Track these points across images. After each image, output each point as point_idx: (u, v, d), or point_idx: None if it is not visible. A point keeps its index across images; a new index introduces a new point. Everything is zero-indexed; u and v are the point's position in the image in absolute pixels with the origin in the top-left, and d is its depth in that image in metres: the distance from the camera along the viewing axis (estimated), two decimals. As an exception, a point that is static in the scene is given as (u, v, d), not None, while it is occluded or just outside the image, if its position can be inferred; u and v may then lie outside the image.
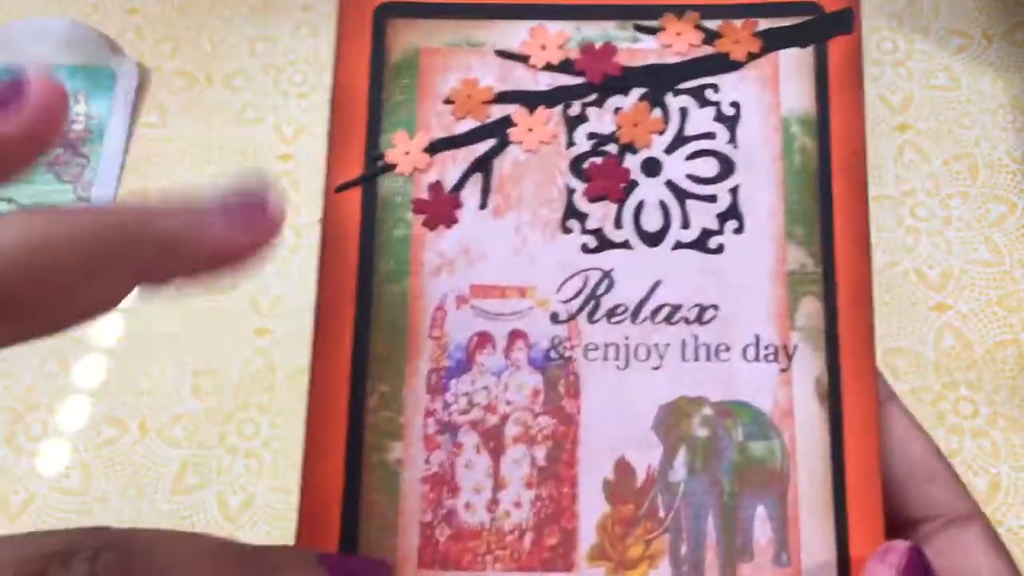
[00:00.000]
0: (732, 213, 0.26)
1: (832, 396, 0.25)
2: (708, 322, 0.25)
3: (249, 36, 0.71)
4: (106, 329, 0.62)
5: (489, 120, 0.27)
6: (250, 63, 0.70)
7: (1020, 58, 0.70)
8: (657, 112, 0.27)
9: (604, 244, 0.26)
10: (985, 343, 0.62)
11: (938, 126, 0.68)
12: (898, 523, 0.24)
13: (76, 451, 0.62)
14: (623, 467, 0.25)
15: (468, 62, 0.27)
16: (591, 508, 0.25)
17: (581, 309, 0.26)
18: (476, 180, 0.27)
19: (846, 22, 0.27)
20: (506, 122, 0.27)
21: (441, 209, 0.26)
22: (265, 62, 0.71)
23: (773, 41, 0.27)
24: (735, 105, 0.27)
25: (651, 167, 0.27)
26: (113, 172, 0.67)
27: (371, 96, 0.27)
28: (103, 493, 0.58)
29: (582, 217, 0.26)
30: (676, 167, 0.27)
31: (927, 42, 0.70)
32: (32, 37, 0.67)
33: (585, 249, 0.26)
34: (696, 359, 0.25)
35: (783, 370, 0.25)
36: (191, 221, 0.16)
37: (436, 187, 0.26)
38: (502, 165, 0.27)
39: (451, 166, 0.27)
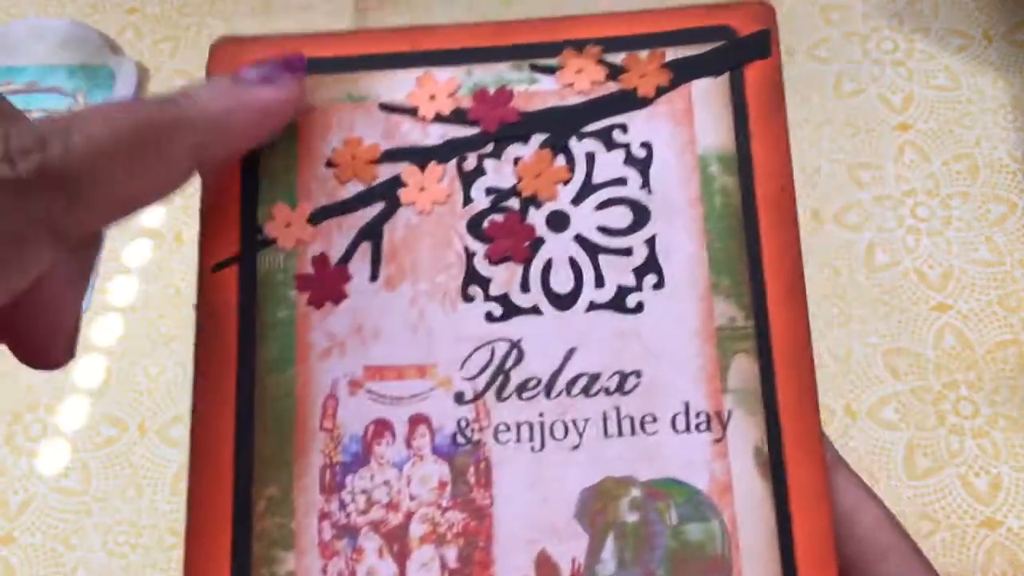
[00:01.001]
0: (650, 266, 0.24)
1: (775, 466, 0.23)
2: (631, 391, 0.23)
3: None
4: (106, 329, 0.63)
5: (377, 182, 0.25)
6: (250, 63, 0.74)
7: (1020, 58, 0.71)
8: (561, 160, 0.25)
9: (511, 311, 0.25)
10: (986, 343, 0.62)
11: (938, 126, 0.69)
12: None
13: (75, 451, 0.64)
14: (545, 563, 0.23)
15: (351, 119, 0.26)
16: None
17: (488, 386, 0.24)
18: (365, 249, 0.25)
19: (763, 45, 0.25)
20: (396, 183, 0.25)
21: (327, 284, 0.24)
22: (265, 62, 0.74)
23: (683, 72, 0.25)
24: (646, 146, 0.25)
25: (558, 221, 0.25)
26: None
27: (245, 164, 0.25)
28: (102, 493, 0.60)
29: (484, 282, 0.24)
30: (585, 219, 0.25)
31: (927, 42, 0.71)
32: (32, 37, 0.69)
33: (490, 318, 0.24)
34: (620, 434, 0.23)
35: (717, 440, 0.23)
36: (237, 93, 0.21)
37: (321, 260, 0.25)
38: (393, 230, 0.25)
39: (337, 236, 0.25)
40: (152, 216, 0.63)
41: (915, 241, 0.64)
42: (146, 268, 0.63)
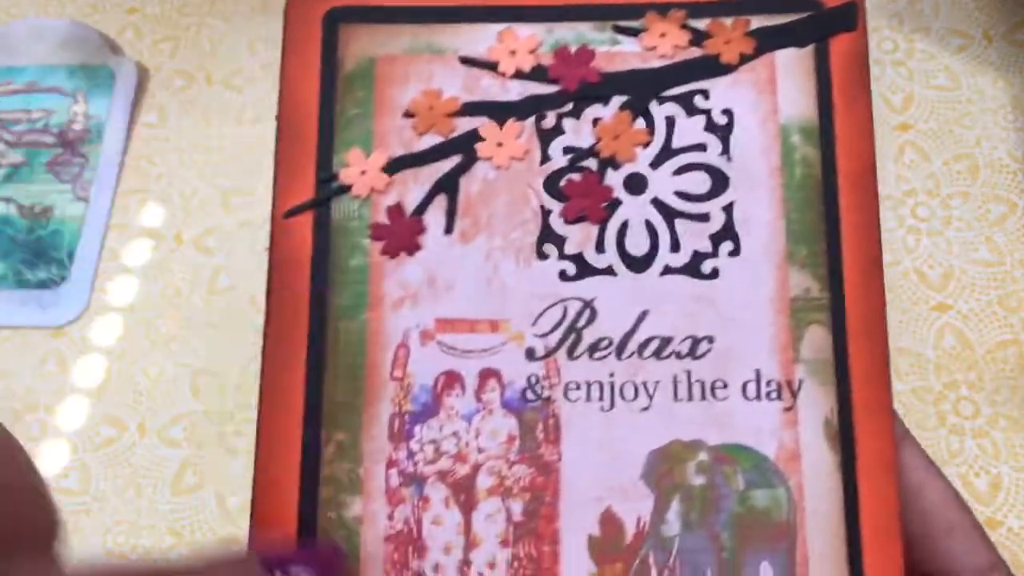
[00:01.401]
0: (727, 233, 0.24)
1: (844, 437, 0.23)
2: (702, 356, 0.24)
3: (249, 36, 0.73)
4: (105, 329, 0.63)
5: (454, 135, 0.25)
6: (250, 63, 0.72)
7: (1020, 58, 0.71)
8: (641, 122, 0.25)
9: (585, 271, 0.25)
10: (986, 343, 0.63)
11: (938, 126, 0.70)
12: None
13: (75, 451, 0.64)
14: (610, 521, 0.23)
15: (430, 71, 0.26)
16: (575, 568, 0.23)
17: (560, 344, 0.24)
18: (440, 202, 0.25)
19: (850, 18, 0.25)
20: (473, 136, 0.25)
21: (402, 235, 0.25)
22: (265, 62, 0.72)
23: (768, 41, 0.25)
24: (727, 113, 0.25)
25: (635, 184, 0.25)
26: (112, 172, 0.67)
27: (322, 111, 0.25)
28: (102, 493, 0.60)
29: (560, 241, 0.24)
30: (663, 183, 0.25)
31: (928, 42, 0.72)
32: (31, 37, 0.69)
33: (564, 276, 0.25)
34: (690, 398, 0.24)
35: (787, 409, 0.23)
36: None
37: (396, 210, 0.25)
38: (469, 184, 0.25)
39: (413, 186, 0.25)
40: (152, 216, 0.63)
41: (915, 241, 0.65)
42: (146, 268, 0.63)
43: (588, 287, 0.25)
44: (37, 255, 0.64)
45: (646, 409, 0.24)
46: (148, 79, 0.70)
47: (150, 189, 0.66)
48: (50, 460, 0.62)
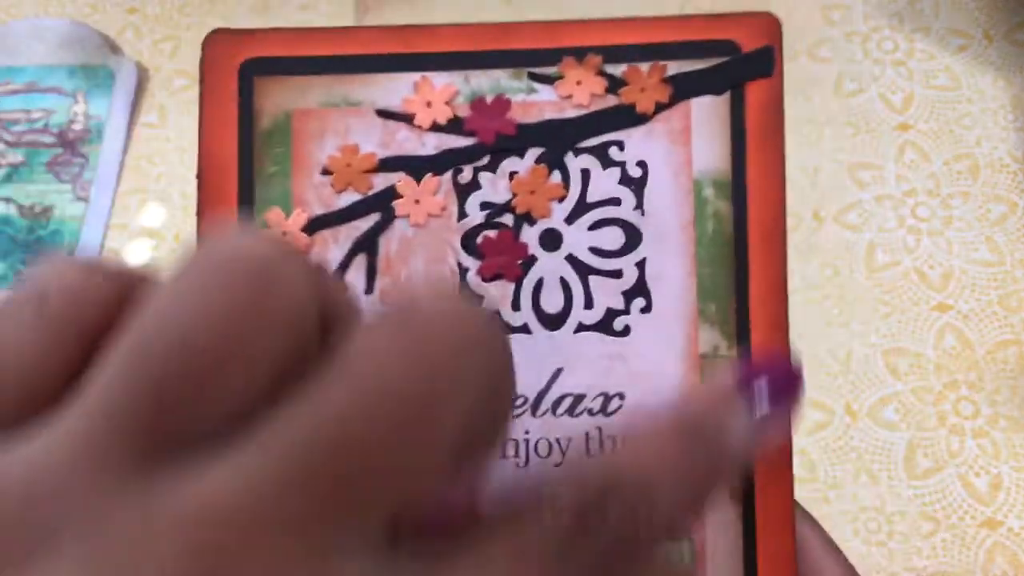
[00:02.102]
0: (639, 290, 0.25)
1: (746, 495, 0.24)
2: (613, 412, 0.25)
3: (248, 36, 0.76)
4: None
5: (372, 191, 0.26)
6: (250, 63, 0.75)
7: (1021, 58, 0.72)
8: (556, 176, 0.26)
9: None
10: (986, 343, 0.64)
11: (939, 126, 0.71)
12: None
13: None
14: None
15: (346, 125, 0.26)
16: None
17: None
18: (360, 262, 0.26)
19: (766, 63, 0.25)
20: (391, 193, 0.26)
21: None
22: (264, 61, 0.75)
23: (684, 88, 0.26)
24: (642, 165, 0.26)
25: (550, 240, 0.26)
26: (112, 172, 0.69)
27: (241, 168, 0.26)
28: None
29: (476, 300, 0.25)
30: (578, 239, 0.26)
31: (928, 42, 0.73)
32: (31, 36, 0.70)
33: None
34: (601, 453, 0.25)
35: None
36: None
37: None
38: (388, 243, 0.26)
39: (332, 246, 0.26)
40: (152, 216, 0.64)
41: (915, 241, 0.66)
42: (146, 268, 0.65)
43: None
44: (37, 255, 0.65)
45: (559, 465, 0.25)
46: (148, 79, 0.71)
47: (150, 189, 0.67)
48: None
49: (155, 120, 0.68)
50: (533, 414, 0.26)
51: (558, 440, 0.26)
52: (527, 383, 0.26)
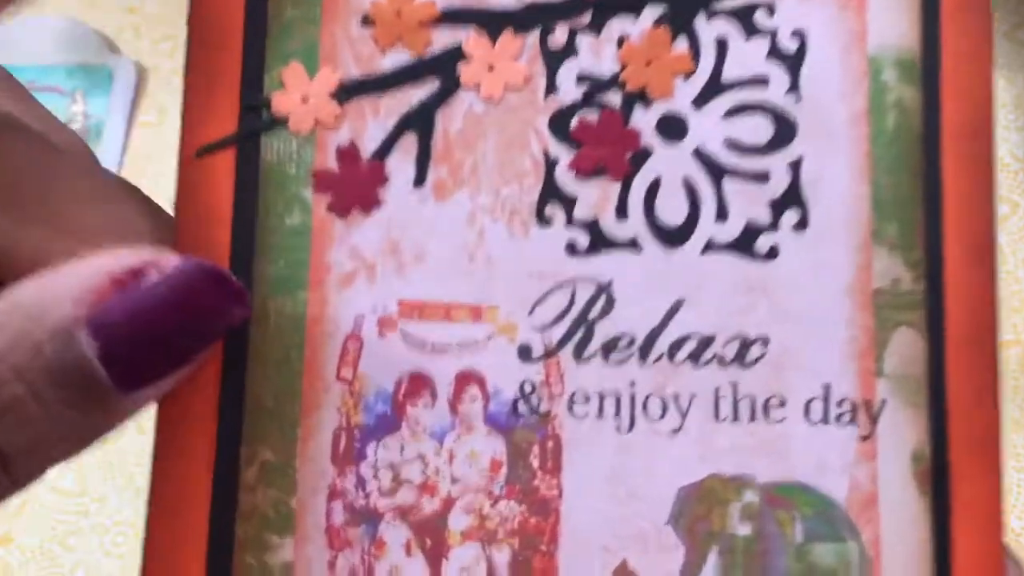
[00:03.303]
0: (792, 199, 0.20)
1: (937, 478, 0.19)
2: (753, 364, 0.20)
3: (247, 35, 0.79)
4: None
5: (430, 52, 0.20)
6: (248, 62, 0.78)
7: (1021, 57, 0.72)
8: (682, 43, 0.20)
9: (600, 243, 0.20)
10: None
11: None
12: None
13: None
14: None
15: (400, -38, 0.20)
16: None
17: (565, 341, 0.20)
18: (409, 143, 0.20)
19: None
20: (455, 55, 0.20)
21: (356, 186, 0.20)
22: (264, 61, 0.78)
23: (856, -60, 0.20)
24: (798, 35, 0.20)
25: (672, 128, 0.20)
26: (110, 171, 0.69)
27: (249, 13, 0.20)
28: (100, 494, 0.60)
29: (568, 202, 0.20)
30: (709, 129, 0.20)
31: None
32: (30, 35, 0.72)
33: (572, 250, 0.20)
34: (735, 419, 0.20)
35: (864, 438, 0.20)
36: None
37: (349, 152, 0.20)
38: (449, 121, 0.20)
39: (371, 121, 0.20)
40: None
41: None
42: (144, 269, 0.63)
43: (604, 265, 0.20)
44: None
45: (676, 432, 0.19)
46: (147, 79, 0.72)
47: (149, 189, 0.63)
48: (48, 463, 0.63)
49: (154, 120, 0.69)
50: (642, 360, 0.20)
51: (676, 397, 0.19)
52: (633, 318, 0.20)
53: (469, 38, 0.21)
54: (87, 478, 0.62)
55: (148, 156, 0.70)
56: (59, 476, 0.63)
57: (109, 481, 0.62)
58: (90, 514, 0.61)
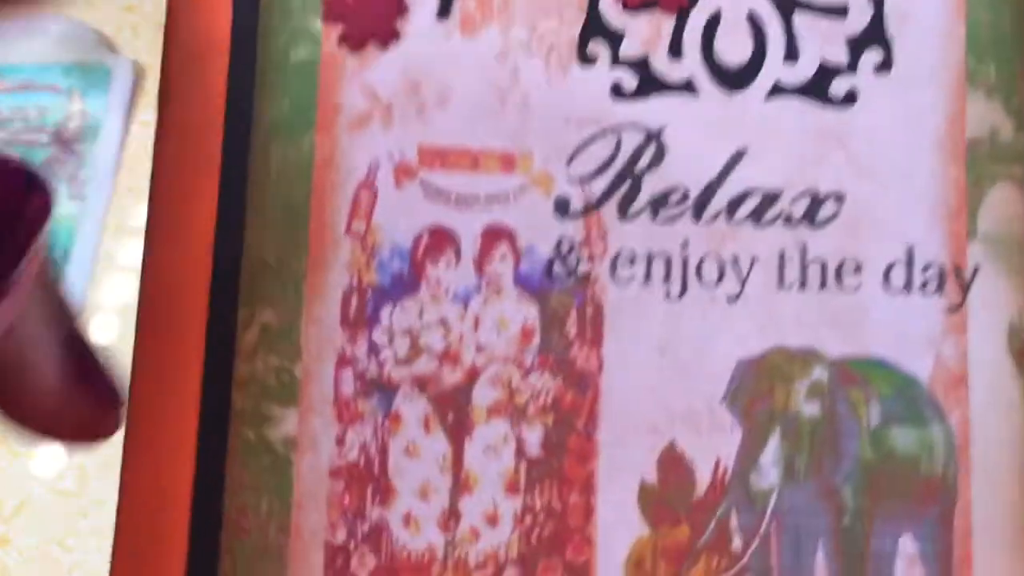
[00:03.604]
0: (873, 36, 0.18)
1: (1036, 354, 0.16)
2: (825, 223, 0.18)
3: (247, 33, 0.78)
4: (100, 330, 0.63)
5: None
6: (248, 60, 0.77)
7: None
8: None
9: (650, 85, 0.18)
10: None
11: None
12: None
13: (72, 453, 0.62)
14: (673, 463, 0.17)
15: None
16: (617, 528, 0.17)
17: (609, 195, 0.18)
18: None
19: None
20: None
21: (372, 16, 0.18)
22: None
23: None
24: None
25: (736, -47, 0.18)
26: (108, 171, 0.74)
27: None
28: (99, 496, 0.54)
29: (615, 38, 0.18)
30: (779, -45, 0.17)
31: None
32: (27, 34, 0.69)
33: (618, 92, 0.18)
34: (803, 285, 0.18)
35: (952, 308, 0.18)
36: None
37: None
38: None
39: None
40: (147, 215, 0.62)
41: None
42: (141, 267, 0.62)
43: (654, 111, 0.18)
44: None
45: (735, 299, 0.17)
46: (145, 78, 0.71)
47: (146, 188, 0.63)
48: (47, 463, 0.61)
49: (151, 118, 0.65)
50: (695, 218, 0.18)
51: (734, 260, 0.17)
52: (686, 170, 0.17)
53: None
54: (87, 479, 0.62)
55: (146, 155, 0.70)
56: (59, 477, 0.63)
57: (108, 483, 0.62)
58: (89, 515, 0.60)
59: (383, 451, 0.18)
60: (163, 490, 0.17)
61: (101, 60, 0.67)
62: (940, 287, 0.18)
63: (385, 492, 0.17)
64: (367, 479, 0.18)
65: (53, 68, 0.66)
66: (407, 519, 0.17)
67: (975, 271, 0.17)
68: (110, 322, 0.65)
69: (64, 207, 0.64)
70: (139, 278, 0.18)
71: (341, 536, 0.17)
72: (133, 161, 0.69)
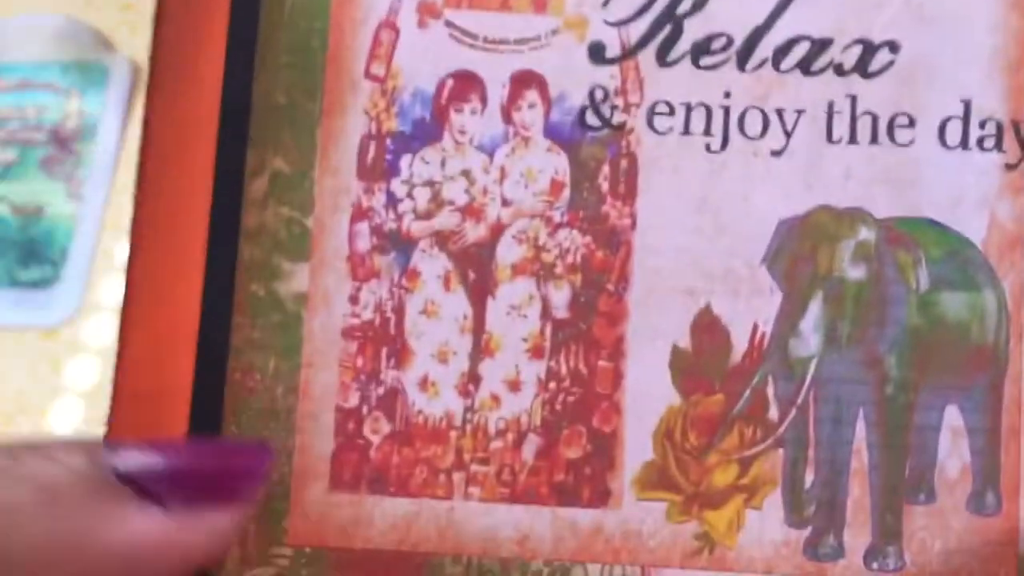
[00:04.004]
0: None
1: (1100, 215, 0.15)
2: (879, 73, 0.17)
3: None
4: (98, 330, 0.63)
5: None
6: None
7: None
8: None
9: None
10: None
11: None
12: None
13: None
14: (708, 326, 0.17)
15: None
16: (647, 396, 0.17)
17: (647, 40, 0.17)
18: None
19: None
20: None
21: None
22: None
23: None
24: None
25: None
26: (106, 170, 0.68)
27: None
28: None
29: None
30: None
31: None
32: (24, 33, 0.70)
33: None
34: (852, 139, 0.17)
35: (1011, 166, 0.17)
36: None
37: None
38: None
39: None
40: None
41: None
42: (139, 267, 0.63)
43: None
44: (30, 254, 0.70)
45: (779, 153, 0.16)
46: (143, 76, 0.68)
47: None
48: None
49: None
50: (739, 66, 0.17)
51: (780, 112, 0.16)
52: (731, 13, 0.16)
53: None
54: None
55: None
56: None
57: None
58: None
59: (399, 310, 0.17)
60: (165, 346, 0.17)
61: (99, 59, 0.72)
62: (998, 143, 0.17)
63: (401, 354, 0.17)
64: (382, 340, 0.17)
65: (50, 67, 0.72)
66: (424, 383, 0.17)
67: (1037, 128, 0.17)
68: (106, 322, 0.67)
69: (61, 206, 0.68)
70: (141, 122, 0.17)
71: (353, 399, 0.17)
72: (131, 160, 0.72)
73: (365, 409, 0.17)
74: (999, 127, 0.17)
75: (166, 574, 0.15)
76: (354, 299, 0.17)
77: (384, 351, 0.17)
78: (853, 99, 0.17)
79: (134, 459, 0.15)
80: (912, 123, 0.17)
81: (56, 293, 0.77)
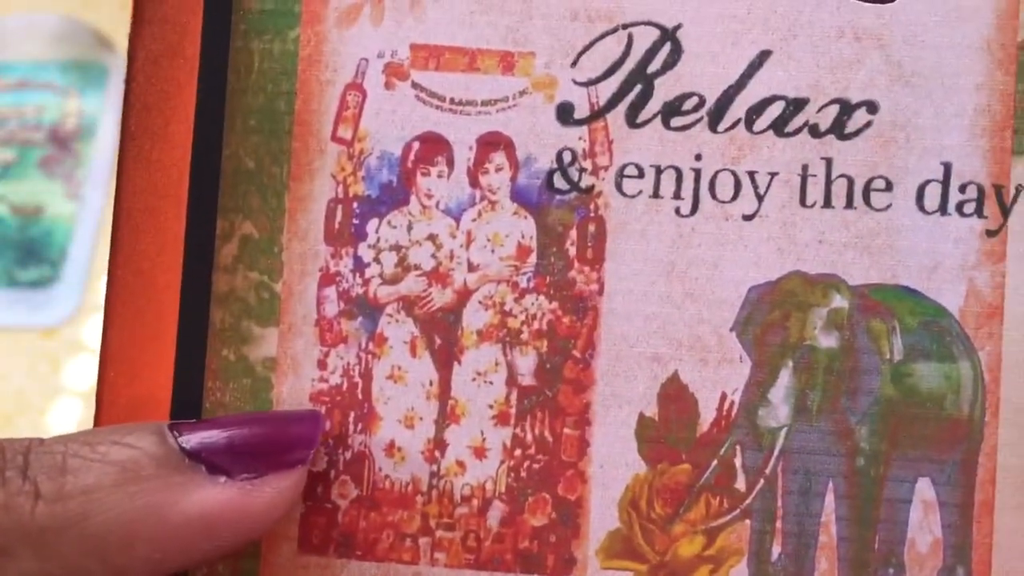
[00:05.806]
0: None
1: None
2: (855, 135, 0.18)
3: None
4: (97, 330, 0.66)
5: None
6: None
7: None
8: None
9: None
10: None
11: None
12: None
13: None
14: (675, 395, 0.18)
15: None
16: (613, 463, 0.18)
17: (617, 100, 0.18)
18: None
19: None
20: None
21: None
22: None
23: None
24: None
25: None
26: (105, 170, 0.70)
27: None
28: None
29: None
30: None
31: None
32: (23, 32, 0.73)
33: None
34: (827, 204, 0.18)
35: (991, 233, 0.17)
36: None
37: None
38: None
39: None
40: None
41: None
42: (137, 271, 0.66)
43: (671, 5, 0.18)
44: (29, 254, 0.67)
45: (751, 218, 0.17)
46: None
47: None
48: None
49: None
50: (711, 127, 0.17)
51: (752, 175, 0.17)
52: (704, 73, 0.17)
53: None
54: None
55: (145, 155, 0.74)
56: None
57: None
58: (87, 515, 0.66)
59: (367, 376, 0.18)
60: (140, 411, 0.18)
61: (98, 58, 0.73)
62: (978, 209, 0.17)
63: (368, 419, 0.18)
64: (349, 404, 0.18)
65: (50, 66, 0.72)
66: (391, 448, 0.18)
67: (1018, 192, 0.17)
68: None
69: (61, 206, 0.69)
70: (114, 185, 0.18)
71: (321, 464, 0.18)
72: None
73: (333, 473, 0.18)
74: (980, 191, 0.17)
75: (241, 536, 0.17)
76: (322, 364, 0.18)
77: (352, 416, 0.18)
78: (828, 162, 0.17)
79: (199, 436, 0.17)
80: (889, 187, 0.17)
81: (55, 293, 0.79)
